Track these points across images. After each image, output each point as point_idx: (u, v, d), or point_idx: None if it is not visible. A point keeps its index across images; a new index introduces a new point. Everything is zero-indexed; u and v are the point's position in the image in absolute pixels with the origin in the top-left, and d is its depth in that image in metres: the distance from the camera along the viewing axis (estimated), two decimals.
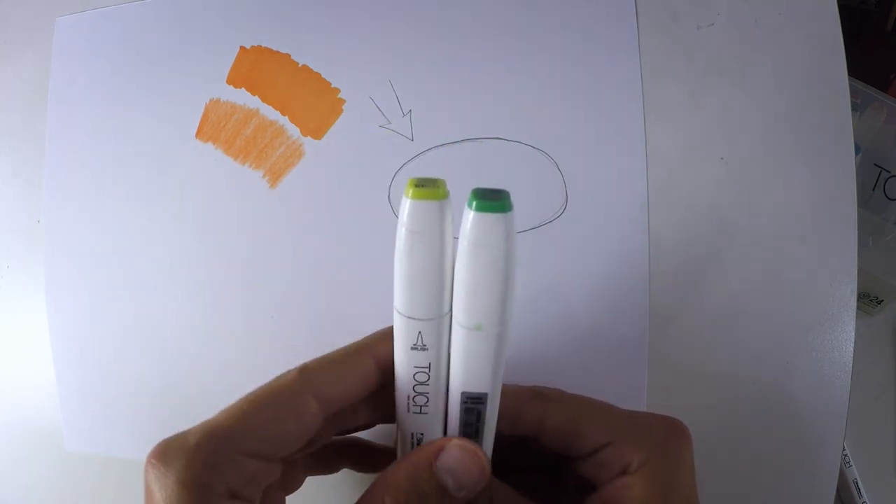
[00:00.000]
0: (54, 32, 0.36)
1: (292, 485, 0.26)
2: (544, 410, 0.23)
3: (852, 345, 0.30)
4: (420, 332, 0.21)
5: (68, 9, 0.36)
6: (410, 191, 0.19)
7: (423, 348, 0.21)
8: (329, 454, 0.27)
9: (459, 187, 0.32)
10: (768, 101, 0.32)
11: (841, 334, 0.30)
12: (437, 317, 0.20)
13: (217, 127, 0.34)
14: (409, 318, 0.20)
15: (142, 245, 0.34)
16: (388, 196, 0.32)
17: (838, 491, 0.36)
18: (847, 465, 0.40)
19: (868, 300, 0.43)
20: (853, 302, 0.31)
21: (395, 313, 0.21)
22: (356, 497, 0.22)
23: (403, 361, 0.22)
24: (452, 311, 0.20)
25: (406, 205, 0.19)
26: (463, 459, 0.21)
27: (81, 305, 0.34)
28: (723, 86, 0.32)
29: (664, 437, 0.23)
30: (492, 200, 0.18)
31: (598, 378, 0.31)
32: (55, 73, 0.35)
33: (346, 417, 0.25)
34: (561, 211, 0.31)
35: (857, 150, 0.41)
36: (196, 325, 0.33)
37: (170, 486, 0.19)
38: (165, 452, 0.20)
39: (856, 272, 0.31)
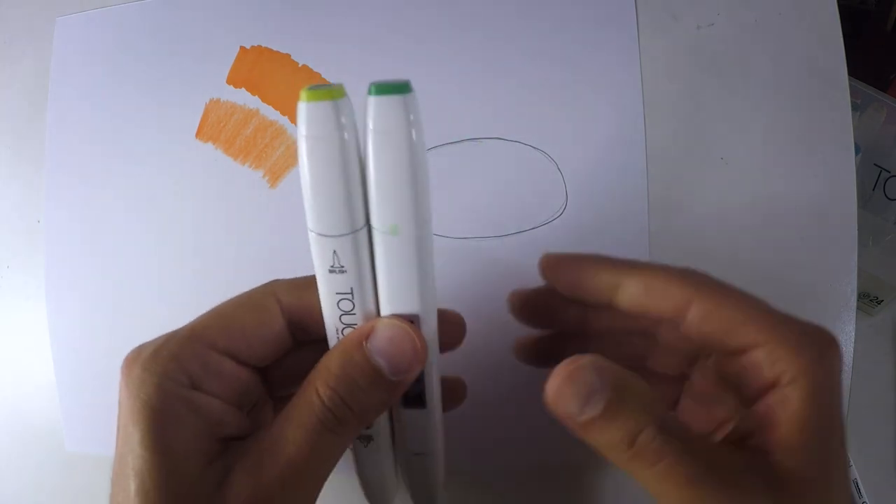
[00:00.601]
0: (54, 32, 0.36)
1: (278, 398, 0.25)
2: (692, 296, 0.20)
3: (852, 345, 0.30)
4: (335, 252, 0.19)
5: (68, 9, 0.36)
6: (304, 94, 0.17)
7: (342, 270, 0.19)
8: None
9: (459, 187, 0.32)
10: (768, 101, 0.32)
11: (841, 334, 0.30)
12: (351, 232, 0.19)
13: (217, 127, 0.34)
14: (321, 235, 0.19)
15: (142, 245, 0.34)
16: None
17: None
18: (847, 465, 0.40)
19: (868, 300, 0.43)
20: (853, 302, 0.31)
21: (309, 234, 0.19)
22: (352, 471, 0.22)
23: (325, 288, 0.20)
24: (369, 220, 0.19)
25: (301, 109, 0.17)
26: (395, 338, 0.20)
27: (81, 305, 0.34)
28: (723, 86, 0.32)
29: (822, 345, 0.19)
30: (391, 84, 0.17)
31: None
32: (55, 73, 0.35)
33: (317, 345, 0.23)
34: (561, 211, 0.31)
35: (857, 150, 0.41)
36: None
37: (135, 376, 0.20)
38: (137, 351, 0.21)
39: (856, 272, 0.31)
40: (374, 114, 0.18)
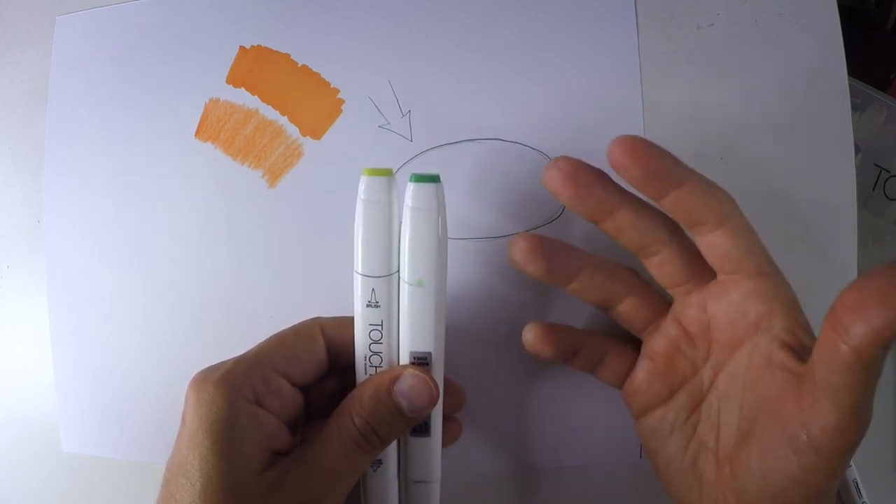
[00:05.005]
0: (54, 32, 0.36)
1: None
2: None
3: None
4: (373, 289, 0.25)
5: (68, 8, 0.36)
6: (365, 171, 0.24)
7: (376, 305, 0.25)
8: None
9: (458, 187, 0.32)
10: (768, 101, 0.32)
11: None
12: (387, 274, 0.25)
13: (216, 126, 0.34)
14: (364, 275, 0.25)
15: (141, 245, 0.34)
16: None
17: (838, 491, 0.36)
18: (847, 465, 0.40)
19: None
20: None
21: (355, 275, 0.25)
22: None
23: (361, 320, 0.25)
24: (399, 272, 0.25)
25: (362, 181, 0.24)
26: (415, 386, 0.25)
27: (82, 305, 0.34)
28: (723, 86, 0.32)
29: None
30: (426, 175, 0.24)
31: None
32: (55, 73, 0.35)
33: (349, 375, 0.27)
34: (560, 212, 0.31)
35: (857, 150, 0.41)
36: (194, 325, 0.33)
37: (208, 393, 0.24)
38: (207, 372, 0.25)
39: (856, 272, 0.31)
40: (412, 195, 0.24)
